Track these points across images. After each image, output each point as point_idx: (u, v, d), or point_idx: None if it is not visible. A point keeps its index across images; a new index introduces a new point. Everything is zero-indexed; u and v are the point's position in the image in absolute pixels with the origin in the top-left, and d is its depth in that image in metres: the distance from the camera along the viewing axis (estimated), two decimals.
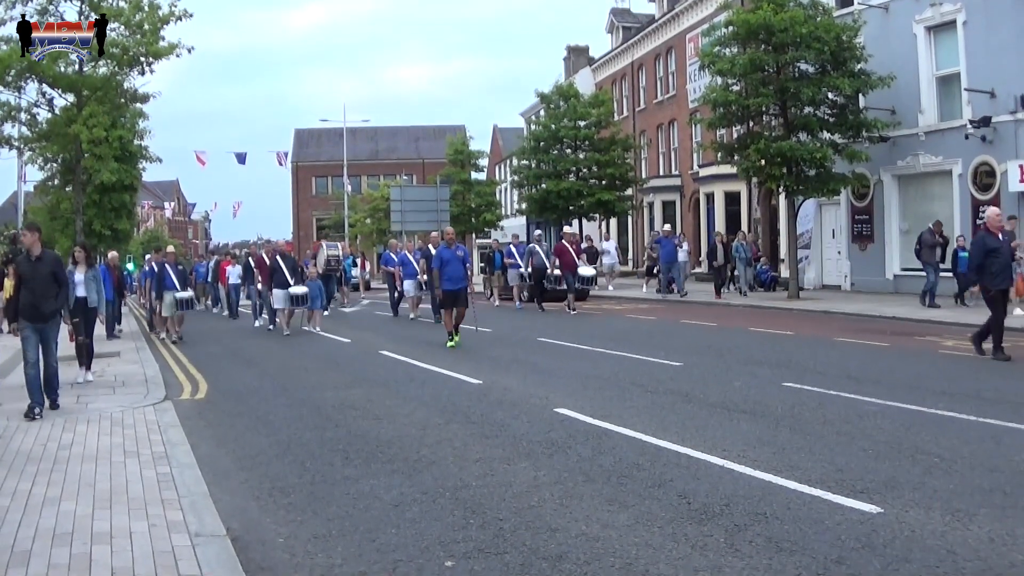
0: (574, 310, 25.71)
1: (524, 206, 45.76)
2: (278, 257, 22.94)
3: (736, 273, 31.78)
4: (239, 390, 13.65)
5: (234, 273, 30.11)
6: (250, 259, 27.18)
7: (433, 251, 22.55)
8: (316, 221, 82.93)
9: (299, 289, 22.33)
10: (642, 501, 7.00)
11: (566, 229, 28.77)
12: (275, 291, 22.58)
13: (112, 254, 22.71)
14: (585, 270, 26.77)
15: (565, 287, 26.21)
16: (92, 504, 7.11)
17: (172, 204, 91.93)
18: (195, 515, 6.83)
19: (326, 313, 24.21)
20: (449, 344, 17.67)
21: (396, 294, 27.40)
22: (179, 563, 5.77)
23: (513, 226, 53.02)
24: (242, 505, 7.34)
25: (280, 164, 64.08)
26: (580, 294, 28.07)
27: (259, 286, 24.76)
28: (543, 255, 27.71)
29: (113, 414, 11.28)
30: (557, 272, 26.38)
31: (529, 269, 28.15)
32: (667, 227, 35.41)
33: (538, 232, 36.77)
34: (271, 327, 23.50)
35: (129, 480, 7.91)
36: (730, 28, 27.75)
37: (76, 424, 10.56)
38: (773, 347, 16.83)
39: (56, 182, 24.30)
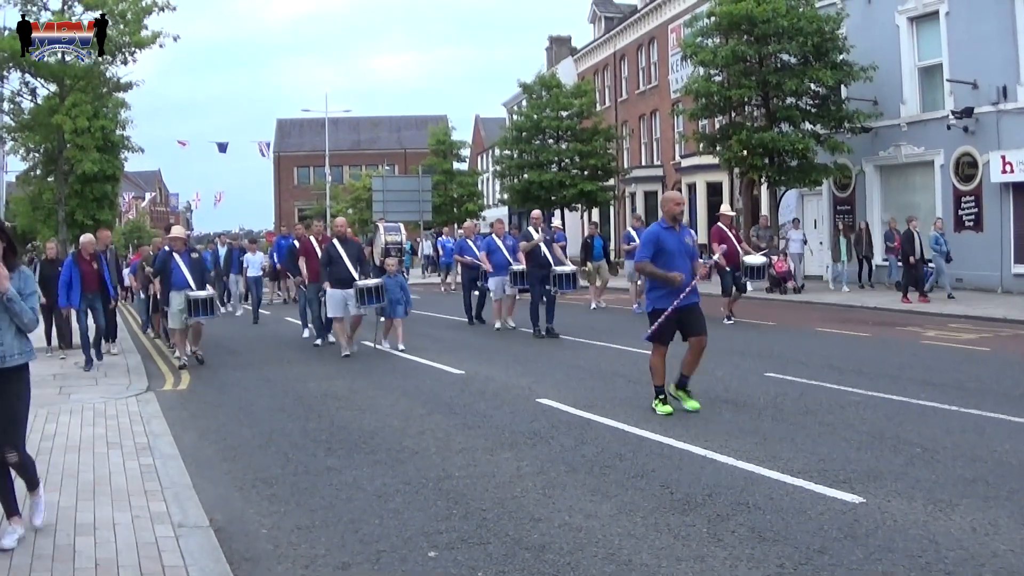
0: (732, 318, 19.10)
1: (506, 196, 45.77)
2: (335, 242, 16.22)
3: (922, 270, 23.16)
4: (222, 381, 13.61)
5: (255, 263, 24.87)
6: (295, 242, 20.63)
7: (534, 233, 17.60)
8: (298, 211, 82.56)
9: (370, 281, 15.86)
10: (625, 491, 7.02)
11: (723, 209, 19.88)
12: (330, 292, 15.91)
13: (85, 237, 16.27)
14: (754, 259, 17.90)
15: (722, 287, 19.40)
16: (75, 495, 7.08)
17: (153, 194, 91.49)
18: (178, 506, 6.82)
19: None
20: (660, 408, 9.85)
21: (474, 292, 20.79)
22: (162, 554, 5.76)
23: (495, 216, 52.91)
24: (225, 496, 7.33)
25: (262, 154, 64.06)
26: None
27: (297, 281, 19.32)
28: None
29: (96, 405, 11.23)
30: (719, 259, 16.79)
31: None
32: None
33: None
34: (319, 341, 17.61)
35: (112, 471, 7.89)
36: (712, 19, 27.86)
37: (59, 415, 10.51)
38: (754, 337, 16.86)
39: (38, 172, 24.14)
